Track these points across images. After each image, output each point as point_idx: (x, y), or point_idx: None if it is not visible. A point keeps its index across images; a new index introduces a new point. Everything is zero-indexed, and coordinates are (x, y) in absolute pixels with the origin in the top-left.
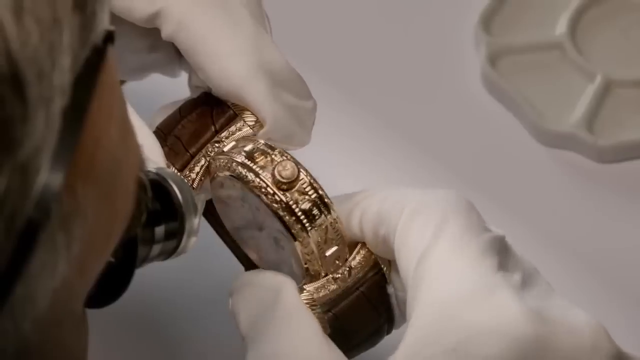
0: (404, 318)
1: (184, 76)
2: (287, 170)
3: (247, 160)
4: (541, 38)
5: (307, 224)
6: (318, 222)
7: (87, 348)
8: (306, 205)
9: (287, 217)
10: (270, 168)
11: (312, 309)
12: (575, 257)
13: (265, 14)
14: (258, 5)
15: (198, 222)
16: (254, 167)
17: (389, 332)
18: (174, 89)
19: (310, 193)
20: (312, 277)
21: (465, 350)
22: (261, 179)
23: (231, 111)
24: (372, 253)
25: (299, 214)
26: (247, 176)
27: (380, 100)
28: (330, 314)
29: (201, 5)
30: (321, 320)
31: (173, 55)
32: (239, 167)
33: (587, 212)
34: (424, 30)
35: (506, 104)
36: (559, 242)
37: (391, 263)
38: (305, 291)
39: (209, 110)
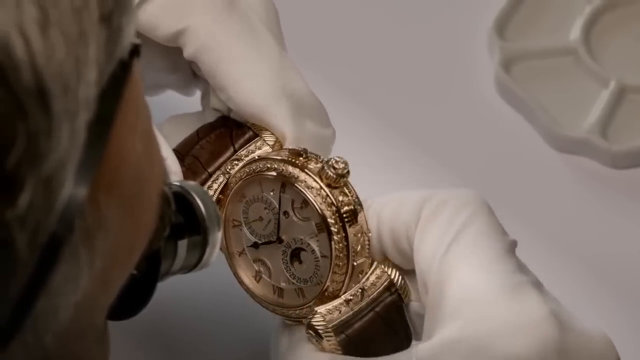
0: (417, 335)
1: None
2: (339, 164)
3: (291, 157)
4: (555, 43)
5: (348, 224)
6: (356, 226)
7: None
8: (349, 207)
9: (331, 214)
10: (316, 165)
11: (325, 333)
12: (588, 262)
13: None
14: (278, 27)
15: (221, 235)
16: (299, 163)
17: (408, 347)
18: (179, 98)
19: (350, 194)
20: (325, 297)
21: (491, 348)
22: (308, 174)
23: (251, 132)
24: (385, 272)
25: (344, 212)
26: (292, 172)
27: (394, 105)
28: (343, 336)
29: (226, 26)
30: (333, 344)
31: (190, 76)
32: (284, 164)
33: (600, 217)
34: (438, 35)
35: (520, 109)
36: (573, 247)
37: (406, 280)
38: (317, 314)
39: (228, 132)
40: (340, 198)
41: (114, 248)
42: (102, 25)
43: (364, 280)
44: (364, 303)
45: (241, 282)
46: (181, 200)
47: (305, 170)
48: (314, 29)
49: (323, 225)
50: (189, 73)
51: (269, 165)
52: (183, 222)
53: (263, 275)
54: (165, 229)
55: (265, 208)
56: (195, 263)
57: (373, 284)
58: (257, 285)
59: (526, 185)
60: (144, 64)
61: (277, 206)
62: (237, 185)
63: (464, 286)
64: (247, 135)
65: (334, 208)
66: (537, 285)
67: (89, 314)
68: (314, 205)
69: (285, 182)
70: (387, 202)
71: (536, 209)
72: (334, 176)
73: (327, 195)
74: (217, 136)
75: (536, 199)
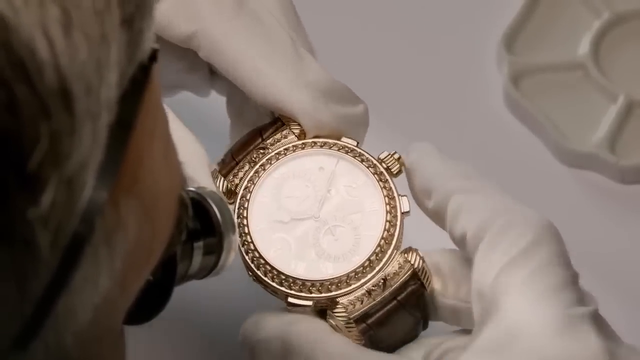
0: (436, 316)
1: None
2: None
3: (348, 142)
4: (564, 58)
5: (404, 210)
6: (408, 214)
7: None
8: (403, 195)
9: (387, 194)
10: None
11: (347, 325)
12: (598, 276)
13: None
14: (293, 16)
15: (236, 240)
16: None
17: (424, 328)
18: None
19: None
20: (357, 274)
21: None
22: (370, 155)
23: (279, 121)
24: (408, 261)
25: (401, 195)
26: (355, 150)
27: (403, 119)
28: (364, 325)
29: (236, 25)
30: (354, 333)
31: (207, 76)
32: (342, 146)
33: (608, 232)
34: (447, 49)
35: (528, 124)
36: (581, 261)
37: (427, 267)
38: (339, 305)
39: (259, 127)
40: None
41: (133, 250)
42: (123, 29)
43: (383, 266)
44: (386, 293)
45: (252, 258)
46: (197, 205)
47: (365, 151)
48: (325, 46)
49: (377, 204)
50: (207, 72)
51: (327, 142)
52: (199, 227)
53: (282, 250)
54: (182, 234)
55: (307, 185)
56: (210, 268)
57: (396, 274)
58: (273, 258)
59: (535, 200)
60: (162, 64)
61: (324, 182)
62: (275, 162)
63: (517, 315)
64: (275, 124)
65: (392, 191)
66: (596, 320)
67: (107, 317)
68: (375, 185)
69: (343, 159)
70: (463, 202)
71: None
72: (394, 163)
73: (387, 178)
74: (250, 131)
75: (544, 213)
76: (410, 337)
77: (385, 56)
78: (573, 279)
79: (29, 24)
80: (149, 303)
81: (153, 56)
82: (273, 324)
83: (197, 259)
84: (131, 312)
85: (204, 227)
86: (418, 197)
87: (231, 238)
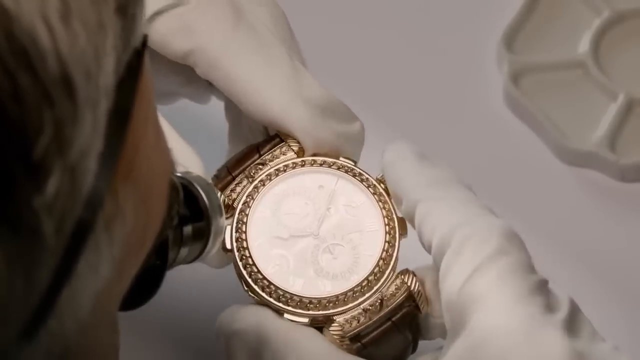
0: (430, 335)
1: None
2: None
3: (347, 160)
4: (564, 56)
5: (399, 230)
6: (405, 235)
7: (118, 351)
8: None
9: (387, 214)
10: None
11: (342, 342)
12: (597, 274)
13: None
14: (289, 34)
15: (223, 224)
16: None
17: (414, 350)
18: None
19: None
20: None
21: None
22: (368, 174)
23: (277, 138)
24: (405, 283)
25: (399, 217)
26: (354, 169)
27: (402, 117)
28: (359, 344)
29: (234, 42)
30: (348, 350)
31: (205, 87)
32: (341, 165)
33: (608, 230)
34: (447, 48)
35: (528, 123)
36: (581, 259)
37: (424, 290)
38: (335, 323)
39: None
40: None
41: (130, 237)
42: (118, 15)
43: (383, 289)
44: (382, 313)
45: (250, 273)
46: (184, 190)
47: (364, 171)
48: (323, 46)
49: (377, 224)
50: (205, 83)
51: (326, 160)
52: (187, 212)
53: (281, 267)
54: (174, 219)
55: (306, 202)
56: (199, 252)
57: (392, 295)
58: (271, 274)
59: (534, 198)
60: (160, 77)
61: (324, 200)
62: (274, 178)
63: (484, 326)
64: (273, 141)
65: (391, 212)
66: (568, 323)
67: (106, 303)
68: (375, 205)
69: (343, 178)
70: (428, 212)
71: (545, 222)
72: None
73: (387, 199)
74: (247, 147)
75: (544, 211)
76: (400, 357)
77: (385, 55)
78: (540, 284)
79: (29, 12)
80: (141, 289)
81: (144, 42)
82: (250, 316)
83: (187, 243)
84: (124, 298)
85: (192, 212)
86: (394, 201)
87: (219, 222)
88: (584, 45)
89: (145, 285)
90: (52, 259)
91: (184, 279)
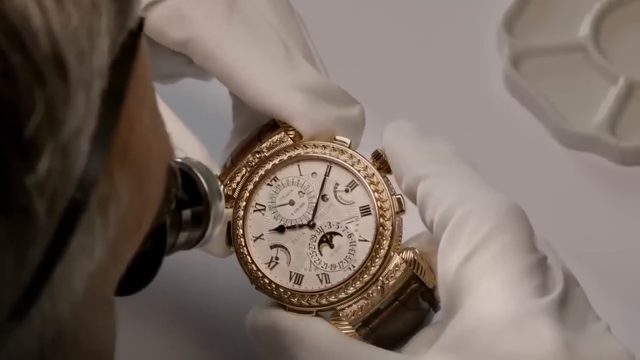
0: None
1: None
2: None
3: (339, 143)
4: (564, 40)
5: (397, 209)
6: (403, 214)
7: (115, 336)
8: (397, 196)
9: (380, 197)
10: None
11: (345, 330)
12: (596, 259)
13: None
14: (290, 18)
15: (222, 209)
16: (348, 147)
17: (436, 311)
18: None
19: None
20: (353, 281)
21: None
22: (360, 156)
23: (275, 124)
24: (405, 262)
25: (396, 197)
26: (344, 152)
27: (402, 103)
28: (367, 329)
29: (228, 32)
30: (355, 337)
31: None
32: (332, 148)
33: (609, 214)
34: (447, 32)
35: (528, 106)
36: (581, 244)
37: (426, 266)
38: (339, 314)
39: (259, 128)
40: (389, 184)
41: (125, 219)
42: None
43: (382, 273)
44: (385, 297)
45: (250, 270)
46: (184, 176)
47: (357, 152)
48: (321, 29)
49: (370, 208)
50: None
51: (315, 147)
52: (186, 197)
53: (279, 262)
54: (172, 203)
55: (301, 192)
56: (198, 238)
57: (393, 277)
58: (270, 271)
59: (534, 182)
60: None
61: (317, 189)
62: (269, 169)
63: (477, 310)
64: (271, 127)
65: (384, 193)
66: (560, 305)
67: (101, 286)
68: (366, 188)
69: (334, 164)
70: (430, 188)
71: (544, 206)
72: (385, 162)
73: (380, 179)
74: (251, 135)
75: (544, 195)
76: (416, 328)
77: (385, 39)
78: (538, 262)
79: None
80: (139, 273)
81: (141, 24)
82: (265, 318)
83: (186, 228)
84: (122, 282)
85: (191, 197)
86: (395, 179)
87: (218, 207)
88: (584, 28)
89: (143, 270)
90: (43, 239)
91: (204, 270)
